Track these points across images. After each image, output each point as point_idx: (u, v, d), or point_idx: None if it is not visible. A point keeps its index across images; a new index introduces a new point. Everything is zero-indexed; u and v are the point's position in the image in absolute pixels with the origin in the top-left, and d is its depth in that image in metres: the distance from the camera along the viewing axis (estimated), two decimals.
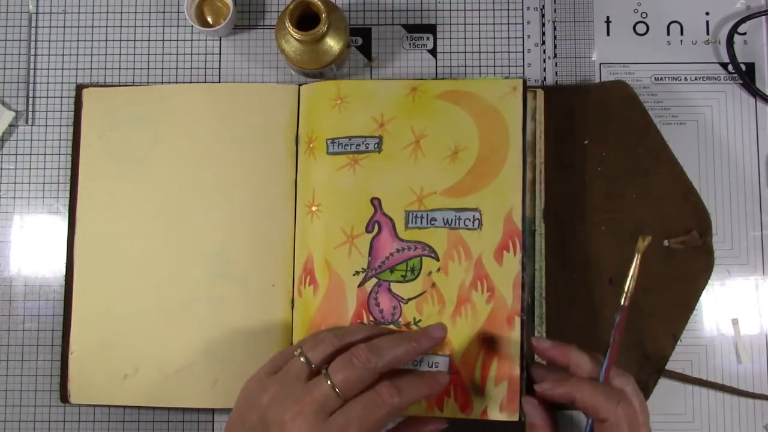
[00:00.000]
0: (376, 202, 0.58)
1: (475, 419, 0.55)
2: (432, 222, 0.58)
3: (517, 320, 0.56)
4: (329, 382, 0.47)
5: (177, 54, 0.64)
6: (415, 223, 0.58)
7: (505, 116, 0.58)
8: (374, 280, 0.57)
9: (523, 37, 0.64)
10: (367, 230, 0.58)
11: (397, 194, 0.58)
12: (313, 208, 0.59)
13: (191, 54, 0.64)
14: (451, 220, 0.57)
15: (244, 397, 0.50)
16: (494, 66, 0.64)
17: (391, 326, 0.57)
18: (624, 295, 0.51)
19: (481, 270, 0.57)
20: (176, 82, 0.64)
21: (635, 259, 0.51)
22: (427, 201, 0.58)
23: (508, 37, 0.64)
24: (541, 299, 0.59)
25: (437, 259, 0.57)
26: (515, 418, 0.55)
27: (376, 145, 0.59)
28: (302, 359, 0.49)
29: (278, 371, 0.50)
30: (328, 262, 0.58)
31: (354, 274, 0.57)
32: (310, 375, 0.49)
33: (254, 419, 0.48)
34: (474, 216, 0.57)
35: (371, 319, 0.57)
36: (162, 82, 0.64)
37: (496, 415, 0.55)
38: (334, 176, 0.59)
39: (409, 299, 0.57)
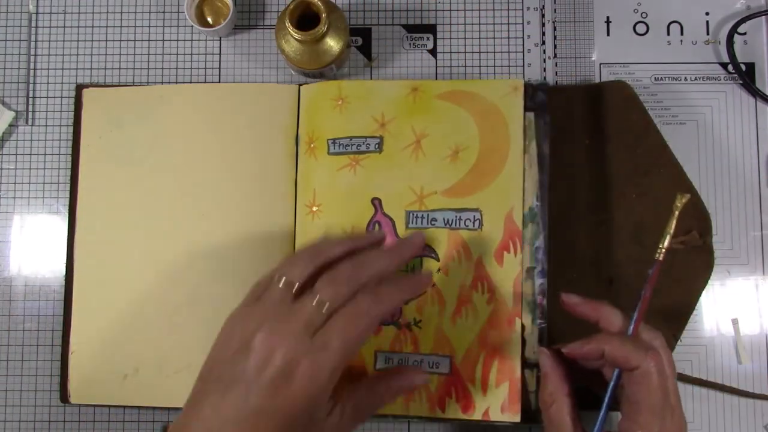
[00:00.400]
0: (376, 202, 0.58)
1: (477, 421, 0.56)
2: (432, 222, 0.58)
3: (518, 321, 0.56)
4: (314, 302, 0.45)
5: (177, 54, 0.64)
6: (416, 223, 0.58)
7: (506, 116, 0.58)
8: None
9: (523, 37, 0.64)
10: (368, 230, 0.58)
11: (397, 194, 0.58)
12: (314, 209, 0.59)
13: (191, 54, 0.64)
14: (452, 220, 0.57)
15: (229, 328, 0.47)
16: (494, 66, 0.64)
17: (391, 327, 0.57)
18: (659, 250, 0.50)
19: (481, 270, 0.57)
20: (176, 82, 0.64)
21: (673, 216, 0.50)
22: (428, 201, 0.58)
23: (508, 37, 0.64)
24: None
25: (437, 260, 0.57)
26: (517, 419, 0.55)
27: (377, 146, 0.59)
28: (281, 283, 0.47)
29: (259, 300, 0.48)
30: None
31: None
32: (293, 297, 0.47)
33: (237, 345, 0.45)
34: (474, 216, 0.57)
35: None
36: (162, 82, 0.64)
37: (497, 416, 0.55)
38: (335, 176, 0.59)
39: (409, 299, 0.57)
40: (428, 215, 0.58)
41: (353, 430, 0.48)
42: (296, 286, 0.47)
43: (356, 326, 0.45)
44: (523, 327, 0.57)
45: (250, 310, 0.47)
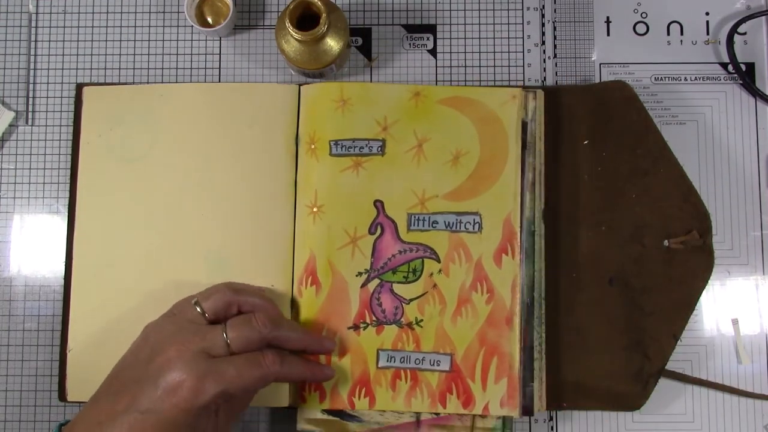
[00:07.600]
0: (378, 204, 0.59)
1: (477, 414, 0.57)
2: (434, 225, 0.58)
3: (516, 320, 0.58)
4: (224, 334, 0.50)
5: (177, 54, 0.64)
6: (417, 225, 0.59)
7: (505, 123, 0.59)
8: (376, 281, 0.58)
9: (523, 37, 0.64)
10: (370, 232, 0.59)
11: (399, 197, 0.59)
12: (315, 209, 0.59)
13: (191, 54, 0.64)
14: (452, 223, 0.58)
15: (142, 336, 0.52)
16: (494, 66, 0.64)
17: (393, 326, 0.58)
18: None
19: (480, 272, 0.58)
20: (176, 82, 0.64)
21: None
22: (429, 204, 0.59)
23: (508, 37, 0.64)
24: (540, 300, 0.59)
25: (438, 261, 0.58)
26: (515, 413, 0.57)
27: (379, 148, 0.59)
28: (197, 308, 0.52)
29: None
30: (330, 263, 0.58)
31: (357, 275, 0.58)
32: (207, 321, 0.52)
33: (145, 352, 0.50)
34: (474, 220, 0.58)
35: (374, 318, 0.58)
36: (162, 82, 0.64)
37: (497, 410, 0.57)
38: (337, 178, 0.59)
39: (411, 300, 0.58)
40: (429, 218, 0.59)
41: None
42: (206, 314, 0.52)
43: (253, 373, 0.50)
44: (520, 325, 0.57)
45: (163, 323, 0.52)
